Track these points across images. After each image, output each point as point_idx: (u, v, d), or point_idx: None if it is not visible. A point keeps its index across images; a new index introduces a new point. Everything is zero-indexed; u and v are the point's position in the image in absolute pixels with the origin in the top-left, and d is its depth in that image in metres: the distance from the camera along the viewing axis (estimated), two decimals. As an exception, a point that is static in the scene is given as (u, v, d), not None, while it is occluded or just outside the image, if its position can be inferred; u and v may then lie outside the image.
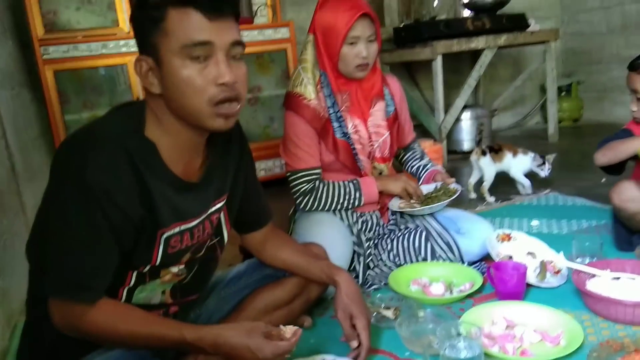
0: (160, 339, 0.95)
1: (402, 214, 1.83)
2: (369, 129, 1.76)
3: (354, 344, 1.18)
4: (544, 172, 2.42)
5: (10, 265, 1.64)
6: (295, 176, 1.71)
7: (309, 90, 1.70)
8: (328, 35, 1.65)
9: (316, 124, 1.69)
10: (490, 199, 2.43)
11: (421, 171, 1.93)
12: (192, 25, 0.92)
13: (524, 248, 1.68)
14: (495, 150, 2.46)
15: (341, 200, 1.72)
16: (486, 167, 2.45)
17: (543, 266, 1.56)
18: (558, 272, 1.59)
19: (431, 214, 1.79)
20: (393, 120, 1.82)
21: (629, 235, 1.74)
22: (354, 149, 1.73)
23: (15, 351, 1.43)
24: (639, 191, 1.66)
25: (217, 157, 1.10)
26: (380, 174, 1.81)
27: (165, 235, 1.01)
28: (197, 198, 1.05)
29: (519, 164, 2.46)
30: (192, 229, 1.05)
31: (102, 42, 2.63)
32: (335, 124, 1.71)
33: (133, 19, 0.98)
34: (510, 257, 1.62)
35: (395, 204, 1.79)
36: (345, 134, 1.72)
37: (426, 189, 1.81)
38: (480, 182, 2.50)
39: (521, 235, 1.74)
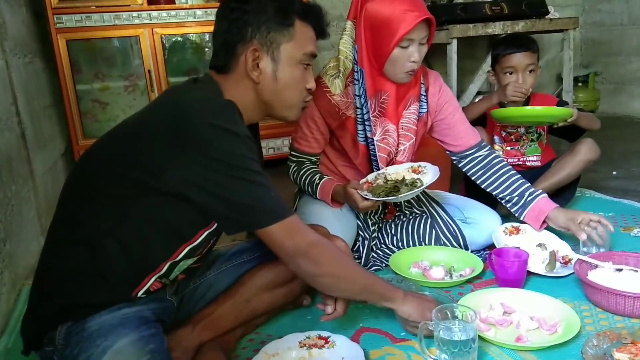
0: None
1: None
2: (399, 131, 1.66)
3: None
4: None
5: (17, 230, 1.67)
6: (291, 152, 1.74)
7: (335, 84, 1.62)
8: (379, 32, 1.50)
9: (331, 120, 1.63)
10: None
11: (517, 208, 1.66)
12: (310, 38, 1.17)
13: (533, 240, 1.66)
14: None
15: (309, 191, 1.69)
16: None
17: (552, 256, 1.55)
18: (568, 262, 1.57)
19: (436, 201, 1.78)
20: (424, 124, 1.71)
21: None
22: (374, 155, 1.64)
23: (20, 315, 1.47)
24: None
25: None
26: None
27: None
28: None
29: None
30: None
31: (115, 12, 2.62)
32: (360, 127, 1.62)
33: (251, 13, 1.10)
34: (518, 249, 1.60)
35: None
36: (366, 139, 1.63)
37: (394, 169, 1.63)
38: None
39: (530, 227, 1.70)
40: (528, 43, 1.98)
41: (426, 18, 1.49)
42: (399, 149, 1.68)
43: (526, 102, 2.02)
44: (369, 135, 1.63)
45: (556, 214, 1.61)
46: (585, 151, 1.94)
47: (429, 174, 1.58)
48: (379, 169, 1.65)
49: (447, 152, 1.77)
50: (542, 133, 2.07)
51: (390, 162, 1.69)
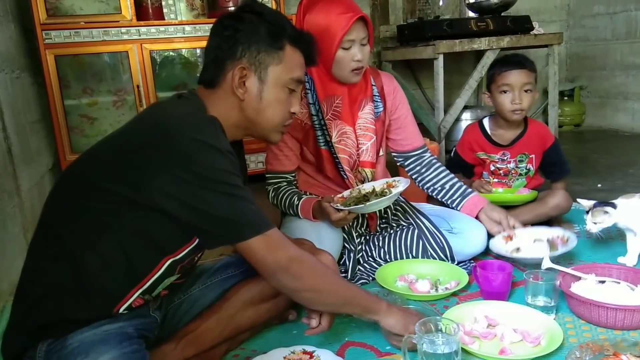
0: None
1: (394, 211, 1.83)
2: (357, 132, 1.73)
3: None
4: None
5: (1, 246, 1.66)
6: (266, 175, 1.76)
7: None
8: (321, 39, 1.52)
9: (297, 133, 1.69)
10: None
11: (455, 198, 1.82)
12: (299, 64, 1.19)
13: (529, 239, 1.71)
14: None
15: (291, 213, 1.69)
16: None
17: (551, 243, 1.66)
18: (567, 240, 1.67)
19: (421, 213, 1.79)
20: (382, 123, 1.78)
21: None
22: (337, 158, 1.69)
23: (2, 332, 1.46)
24: None
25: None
26: (364, 181, 1.74)
27: None
28: None
29: None
30: None
31: (103, 28, 2.63)
32: (318, 133, 1.68)
33: (243, 33, 1.12)
34: (518, 249, 1.68)
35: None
36: (327, 143, 1.69)
37: (370, 185, 1.68)
38: None
39: (521, 230, 1.74)
40: (525, 61, 1.97)
41: (363, 19, 1.59)
42: (361, 149, 1.74)
43: (524, 124, 2.05)
44: (328, 139, 1.69)
45: (491, 208, 1.78)
46: (552, 207, 1.96)
47: (401, 185, 1.62)
48: (345, 173, 1.70)
49: (394, 152, 1.88)
50: (531, 168, 2.06)
51: (354, 163, 1.74)
